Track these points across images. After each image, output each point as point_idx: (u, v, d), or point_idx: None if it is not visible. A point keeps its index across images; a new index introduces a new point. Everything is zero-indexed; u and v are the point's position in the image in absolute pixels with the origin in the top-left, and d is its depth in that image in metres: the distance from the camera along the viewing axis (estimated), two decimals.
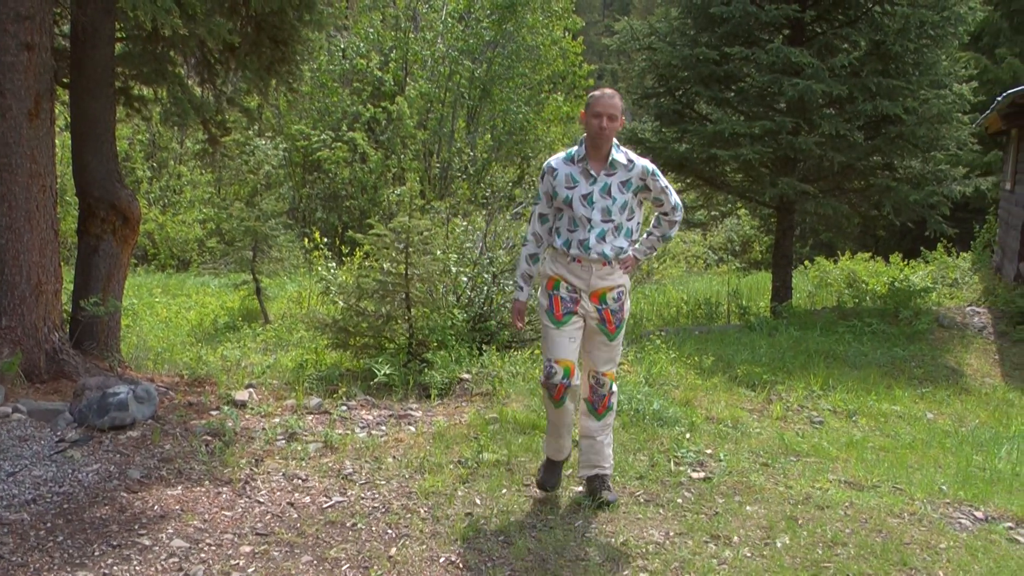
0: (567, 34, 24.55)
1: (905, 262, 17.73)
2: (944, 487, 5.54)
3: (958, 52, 14.21)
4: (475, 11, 22.47)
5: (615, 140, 4.59)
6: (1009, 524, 5.00)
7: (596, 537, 4.47)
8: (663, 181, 4.68)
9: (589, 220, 4.57)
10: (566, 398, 4.75)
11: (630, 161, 4.60)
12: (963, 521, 5.00)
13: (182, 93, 8.29)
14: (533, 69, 23.72)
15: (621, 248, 4.64)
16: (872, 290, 13.60)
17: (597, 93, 4.58)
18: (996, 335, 11.35)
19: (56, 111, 7.00)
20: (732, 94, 12.90)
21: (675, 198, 4.78)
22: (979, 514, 5.12)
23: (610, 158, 4.57)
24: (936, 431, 7.09)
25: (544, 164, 4.75)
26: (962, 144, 12.78)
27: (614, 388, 4.86)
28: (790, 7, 11.68)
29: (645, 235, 4.92)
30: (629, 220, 4.65)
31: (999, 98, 12.94)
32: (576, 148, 4.67)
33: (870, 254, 19.57)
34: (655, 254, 5.10)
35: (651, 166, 4.63)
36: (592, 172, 4.57)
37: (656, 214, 4.88)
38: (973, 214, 19.71)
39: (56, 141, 6.85)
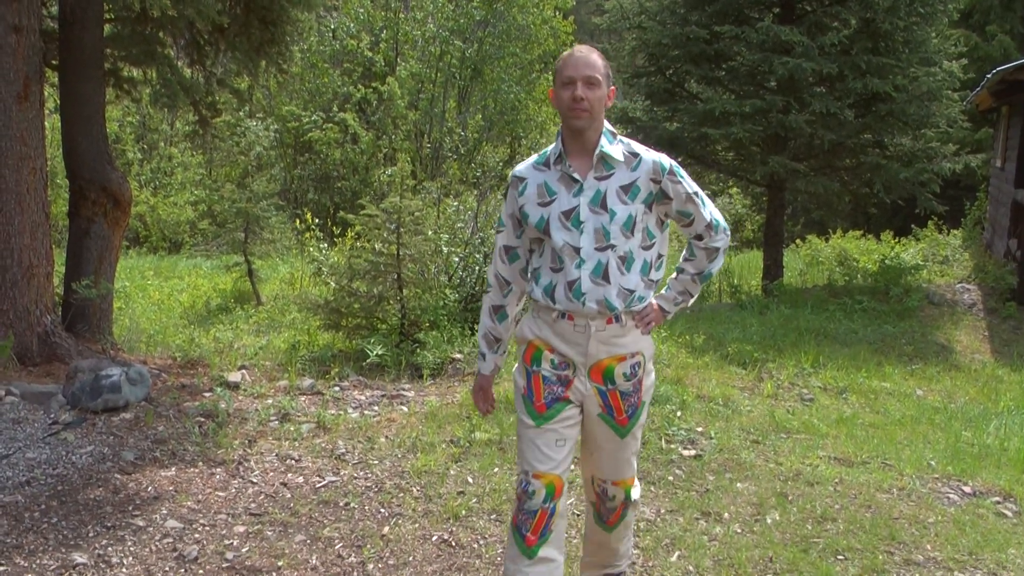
0: (558, 13, 24.42)
1: (896, 240, 17.74)
2: (933, 462, 5.58)
3: (948, 29, 14.20)
4: None
5: (607, 126, 3.02)
6: (996, 498, 5.05)
7: None
8: (690, 185, 3.04)
9: (577, 250, 2.96)
10: (547, 539, 3.04)
11: (633, 155, 2.99)
12: (951, 496, 5.04)
13: (172, 74, 8.28)
14: (524, 49, 23.62)
15: (633, 292, 3.00)
16: (863, 268, 13.63)
17: (565, 54, 2.98)
18: (986, 312, 11.40)
19: (46, 93, 6.98)
20: (722, 73, 12.92)
21: (712, 212, 3.11)
22: (967, 489, 5.17)
23: (598, 150, 2.95)
24: (925, 407, 7.14)
25: (510, 175, 3.15)
26: (952, 121, 12.83)
27: (634, 496, 3.30)
28: None
29: (674, 274, 3.26)
30: (646, 248, 3.03)
31: (989, 75, 12.95)
32: (551, 147, 3.07)
33: (861, 232, 19.57)
34: (692, 303, 3.33)
35: (668, 161, 3.02)
36: (576, 176, 2.96)
37: (688, 240, 3.20)
38: (963, 191, 19.72)
39: (46, 123, 6.83)
